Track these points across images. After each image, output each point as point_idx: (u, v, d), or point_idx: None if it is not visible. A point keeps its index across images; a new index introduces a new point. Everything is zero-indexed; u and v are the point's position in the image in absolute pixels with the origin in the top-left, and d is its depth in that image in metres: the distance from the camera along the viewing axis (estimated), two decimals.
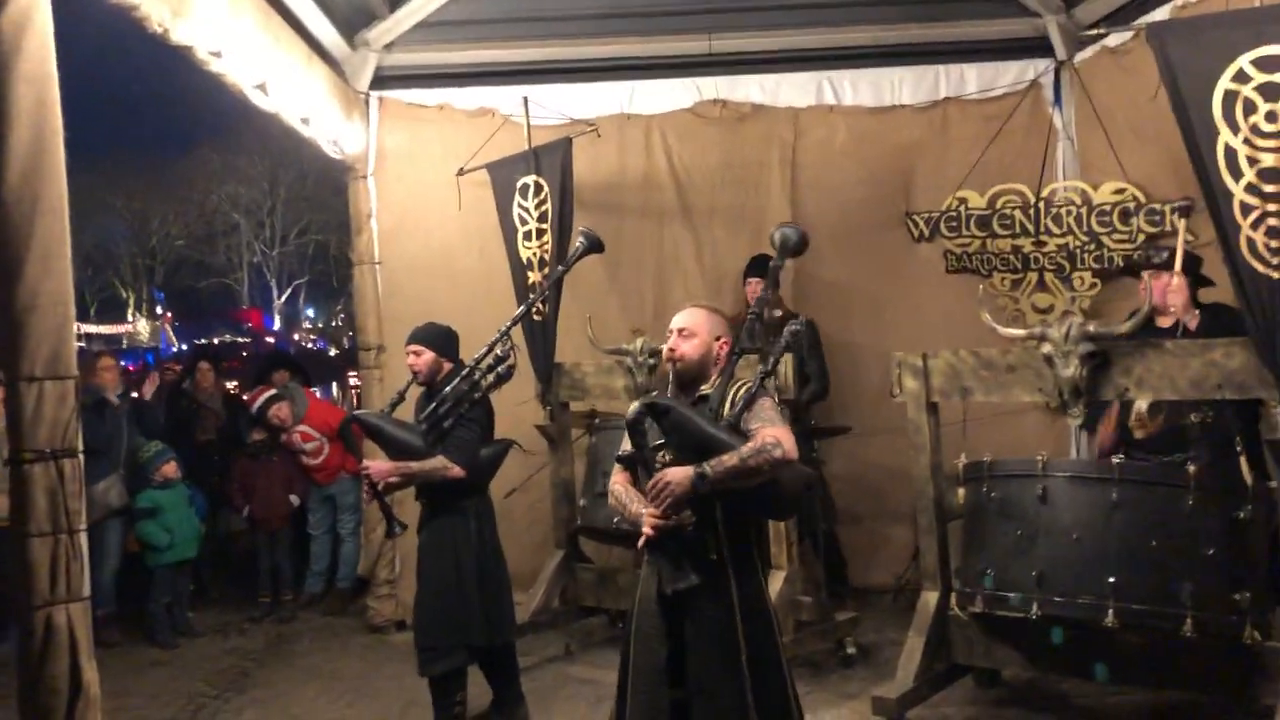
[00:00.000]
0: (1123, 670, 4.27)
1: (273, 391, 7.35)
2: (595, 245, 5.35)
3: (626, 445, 3.43)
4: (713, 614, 3.17)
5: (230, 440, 7.66)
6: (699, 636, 3.18)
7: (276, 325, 38.10)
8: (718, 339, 3.38)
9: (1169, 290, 4.78)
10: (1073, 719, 4.63)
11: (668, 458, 3.19)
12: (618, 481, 3.41)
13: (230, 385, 9.42)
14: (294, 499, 7.36)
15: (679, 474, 3.08)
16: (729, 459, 3.07)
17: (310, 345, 37.76)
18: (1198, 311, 4.80)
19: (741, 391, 3.26)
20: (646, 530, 3.14)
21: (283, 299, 38.60)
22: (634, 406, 3.18)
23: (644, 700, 3.25)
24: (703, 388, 3.35)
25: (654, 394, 3.30)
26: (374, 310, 6.80)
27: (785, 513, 4.45)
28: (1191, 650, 3.97)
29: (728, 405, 3.25)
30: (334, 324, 40.17)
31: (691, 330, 3.35)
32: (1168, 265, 4.84)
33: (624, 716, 3.33)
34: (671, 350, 3.36)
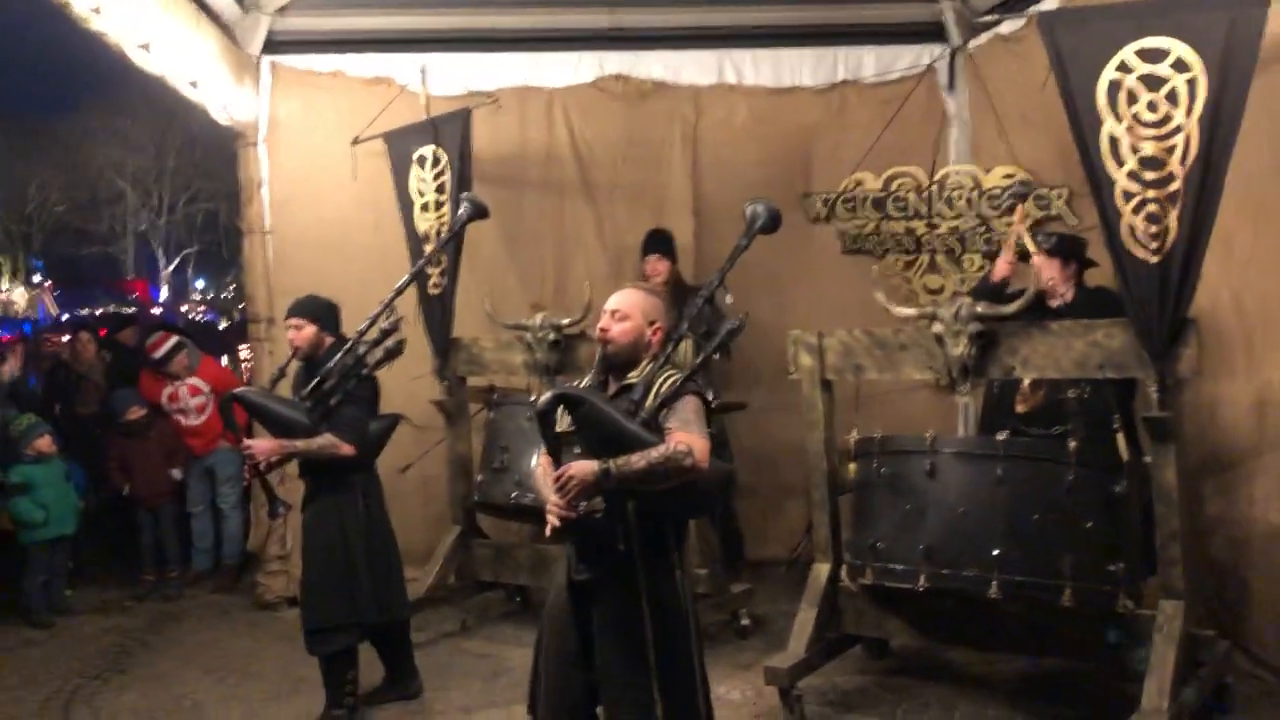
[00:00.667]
0: (1004, 639, 4.42)
1: (178, 339, 7.18)
2: (479, 211, 5.25)
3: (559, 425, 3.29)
4: (619, 605, 3.12)
5: (109, 415, 7.39)
6: (605, 626, 3.14)
7: (164, 296, 36.79)
8: (651, 324, 3.24)
9: (1039, 265, 4.93)
10: (958, 686, 4.77)
11: (577, 449, 3.09)
12: (542, 464, 3.30)
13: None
14: (176, 474, 7.13)
15: (583, 469, 2.98)
16: (636, 461, 2.97)
17: (199, 317, 36.63)
18: (1075, 289, 4.97)
19: (668, 384, 3.13)
20: (550, 520, 3.07)
21: (170, 269, 37.33)
22: (545, 396, 3.05)
23: (557, 684, 3.23)
24: (630, 375, 3.22)
25: (575, 383, 3.19)
26: (264, 281, 6.62)
27: (702, 511, 4.42)
28: (1069, 619, 4.13)
29: (652, 395, 3.13)
30: (224, 295, 39.03)
31: (625, 313, 3.22)
32: (1057, 250, 4.98)
33: (537, 698, 3.31)
34: (603, 330, 3.23)
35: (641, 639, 3.09)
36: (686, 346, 5.09)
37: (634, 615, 3.10)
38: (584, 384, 3.35)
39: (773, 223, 3.56)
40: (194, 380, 7.20)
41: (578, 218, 7.02)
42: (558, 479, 3.02)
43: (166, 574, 7.14)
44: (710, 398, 3.25)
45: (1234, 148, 3.69)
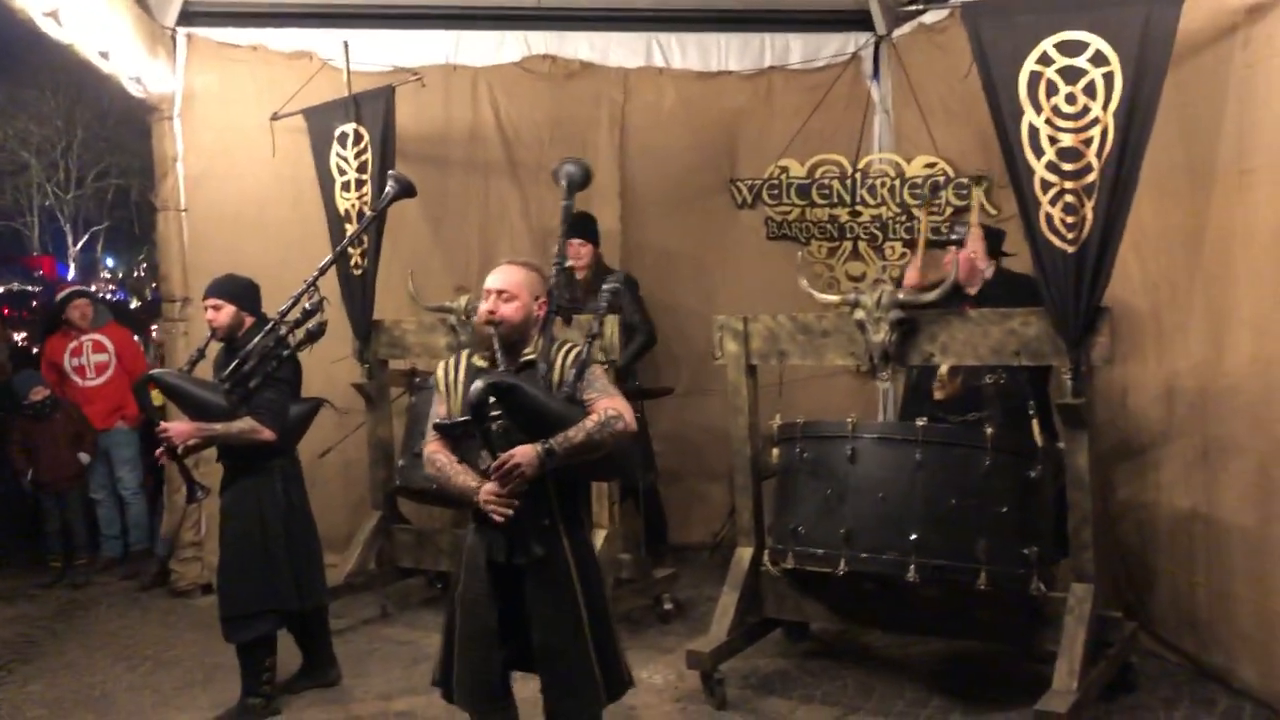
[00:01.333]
0: (921, 622, 4.50)
1: (80, 286, 6.99)
2: (406, 189, 5.14)
3: (440, 410, 3.31)
4: (550, 578, 3.15)
5: (12, 397, 7.13)
6: (540, 602, 3.15)
7: (72, 274, 35.60)
8: (537, 299, 3.27)
9: (950, 259, 5.00)
10: (875, 668, 4.85)
11: (502, 426, 3.05)
12: (438, 451, 3.26)
13: (19, 336, 8.75)
14: (84, 457, 6.91)
15: (527, 454, 3.01)
16: (575, 435, 3.05)
17: (109, 296, 35.61)
18: (995, 266, 5.03)
19: (571, 357, 3.21)
20: (488, 509, 3.05)
21: (79, 246, 36.12)
22: (477, 386, 3.03)
23: (475, 662, 3.23)
24: (525, 351, 3.25)
25: (499, 369, 3.16)
26: (179, 260, 6.43)
27: (615, 474, 4.60)
28: (983, 602, 4.22)
29: (557, 371, 3.20)
30: (136, 274, 37.95)
31: (512, 292, 3.22)
32: (958, 243, 5.02)
33: (450, 681, 3.29)
34: (491, 313, 3.20)
35: (575, 606, 3.16)
36: (612, 324, 5.11)
37: (565, 586, 3.16)
38: (465, 362, 3.33)
39: (586, 179, 3.74)
40: (98, 336, 7.07)
41: (503, 199, 6.95)
42: (500, 466, 3.01)
43: (74, 561, 6.94)
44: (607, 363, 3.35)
45: (1149, 140, 3.77)
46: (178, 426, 4.34)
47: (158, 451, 4.40)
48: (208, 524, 6.28)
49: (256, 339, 4.39)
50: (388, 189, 5.11)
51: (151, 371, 4.73)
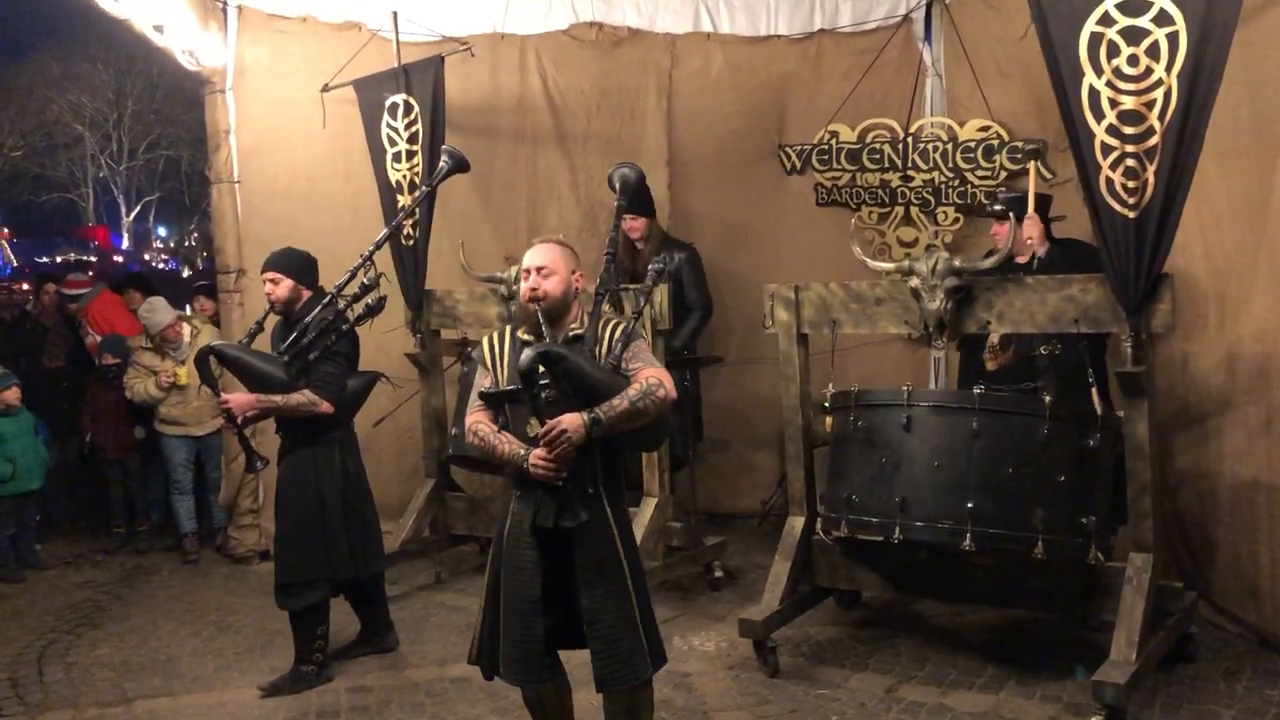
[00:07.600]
0: (974, 591, 4.48)
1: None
2: (460, 164, 5.18)
3: (485, 382, 3.41)
4: (596, 544, 3.26)
5: (81, 364, 7.25)
6: (587, 567, 3.25)
7: (125, 244, 36.15)
8: (574, 272, 3.40)
9: (1024, 224, 4.92)
10: (928, 637, 4.83)
11: (552, 394, 3.14)
12: (481, 421, 3.37)
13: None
14: (139, 431, 7.03)
15: (573, 421, 3.12)
16: (619, 403, 3.18)
17: (162, 265, 36.11)
18: (1049, 244, 4.99)
19: (618, 332, 3.34)
20: (536, 474, 3.16)
21: (131, 216, 36.63)
22: (527, 354, 3.14)
23: (519, 632, 3.29)
24: (572, 326, 3.37)
25: (546, 341, 3.27)
26: (233, 232, 6.49)
27: (657, 445, 4.65)
28: (1039, 571, 4.18)
29: (604, 346, 3.33)
30: (187, 243, 38.48)
31: (551, 268, 3.34)
32: (1003, 215, 4.93)
33: (486, 647, 3.38)
34: (534, 290, 3.33)
35: (621, 572, 3.30)
36: (662, 294, 5.10)
37: (611, 552, 3.29)
38: (509, 337, 3.44)
39: (640, 182, 4.48)
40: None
41: (551, 168, 6.94)
42: (548, 432, 3.12)
43: (136, 527, 7.09)
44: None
45: (1214, 103, 3.67)
46: (238, 398, 4.40)
47: (224, 424, 4.46)
48: (265, 492, 6.39)
49: (314, 312, 4.44)
50: (441, 164, 5.13)
51: (212, 344, 4.78)
